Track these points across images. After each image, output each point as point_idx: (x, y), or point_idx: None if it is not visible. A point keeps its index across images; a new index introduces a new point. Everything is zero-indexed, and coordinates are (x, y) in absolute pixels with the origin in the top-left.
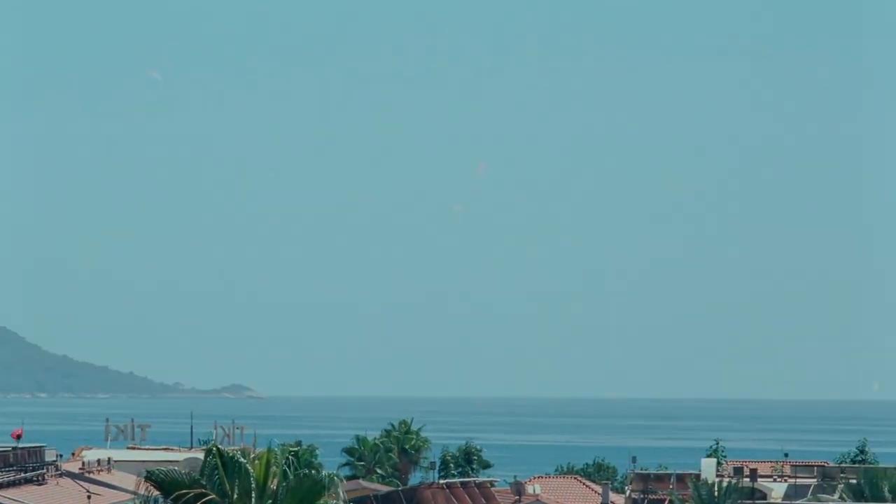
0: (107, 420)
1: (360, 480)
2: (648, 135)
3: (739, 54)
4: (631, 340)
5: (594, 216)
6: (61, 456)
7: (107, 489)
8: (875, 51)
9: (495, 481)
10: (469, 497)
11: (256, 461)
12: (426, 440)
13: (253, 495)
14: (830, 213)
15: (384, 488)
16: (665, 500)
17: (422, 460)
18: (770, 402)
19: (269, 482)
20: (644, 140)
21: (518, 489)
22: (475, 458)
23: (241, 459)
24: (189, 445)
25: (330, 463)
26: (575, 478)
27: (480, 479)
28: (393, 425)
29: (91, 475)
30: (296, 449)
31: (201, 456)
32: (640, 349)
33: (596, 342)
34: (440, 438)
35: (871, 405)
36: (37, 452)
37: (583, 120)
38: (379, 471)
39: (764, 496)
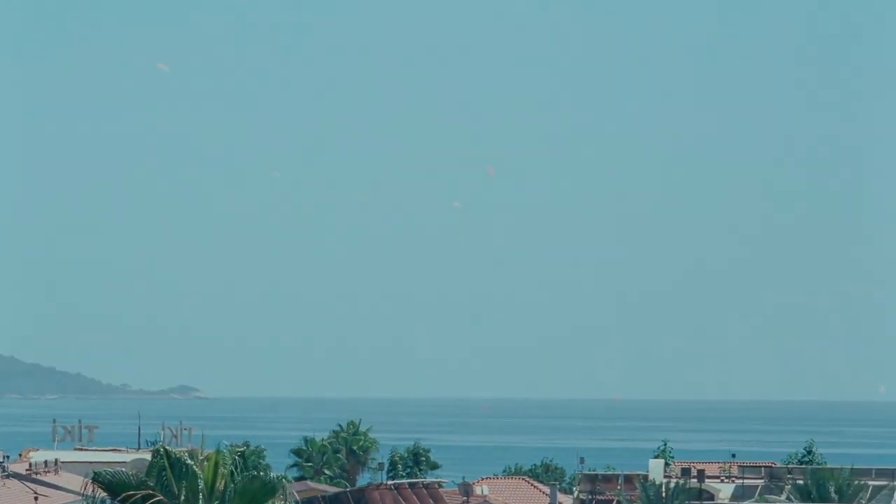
0: (54, 421)
1: (308, 482)
2: (648, 134)
3: (737, 54)
4: (639, 341)
5: (592, 216)
6: (8, 457)
7: (54, 490)
8: (876, 51)
9: (443, 482)
10: (417, 498)
11: (205, 462)
12: (374, 441)
13: (201, 497)
14: (834, 212)
15: (332, 489)
16: (613, 500)
17: (370, 461)
18: (777, 403)
19: (218, 483)
20: (643, 139)
21: (466, 490)
22: (423, 458)
23: (189, 461)
24: (137, 446)
25: (278, 464)
26: (523, 479)
27: (428, 479)
28: (341, 426)
29: (38, 476)
30: (243, 450)
31: (149, 457)
32: (646, 350)
33: (598, 343)
34: (389, 439)
35: (878, 406)
36: None
37: (584, 117)
38: (327, 472)
39: (711, 497)
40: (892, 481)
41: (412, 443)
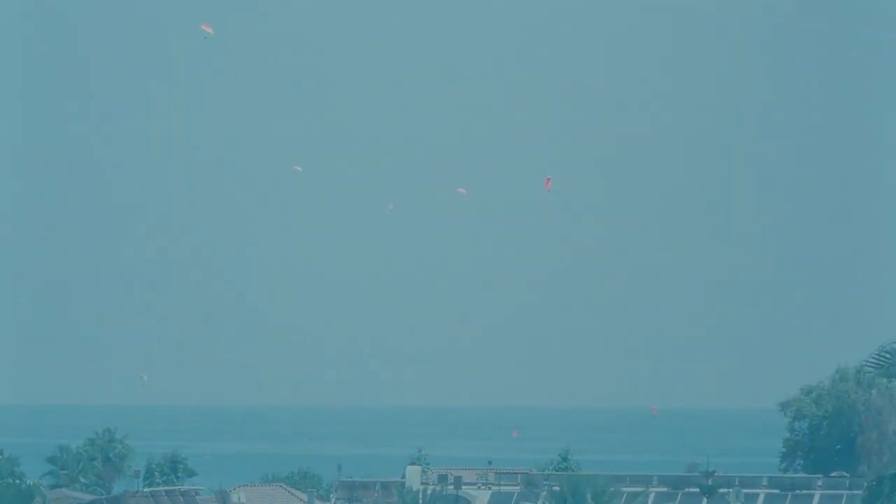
0: None
1: (64, 489)
2: (641, 133)
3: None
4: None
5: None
6: None
7: None
8: (876, 50)
9: (200, 489)
10: None
11: None
12: (130, 448)
13: None
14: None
15: (88, 497)
16: None
17: (126, 468)
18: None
19: None
20: (638, 138)
21: (223, 497)
22: (180, 466)
23: None
24: None
25: (32, 472)
26: (280, 486)
27: (185, 487)
28: (97, 433)
29: None
30: None
31: None
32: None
33: (597, 348)
34: (148, 447)
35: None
36: None
37: (581, 115)
38: (82, 479)
39: (468, 503)
40: (647, 487)
41: (170, 450)
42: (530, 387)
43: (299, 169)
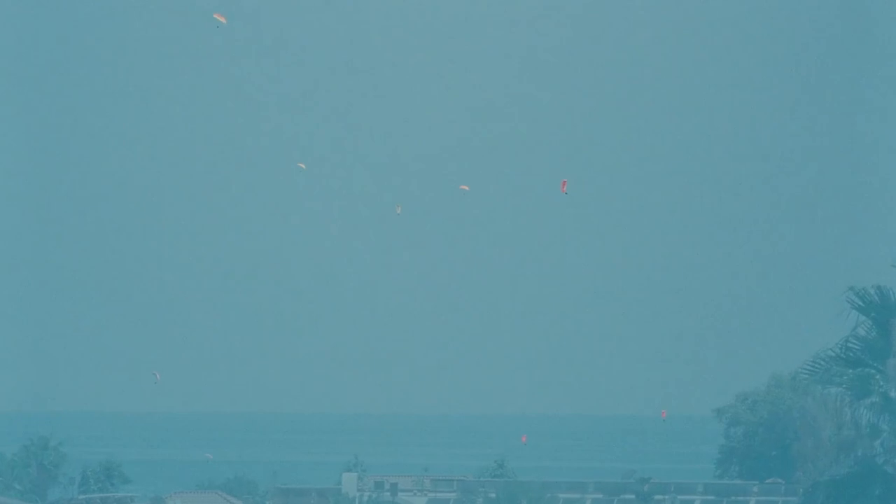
0: None
1: None
2: (644, 135)
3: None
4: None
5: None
6: None
7: None
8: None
9: (135, 496)
10: None
11: None
12: (64, 455)
13: None
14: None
15: None
16: None
17: (61, 475)
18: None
19: None
20: (640, 139)
21: None
22: (115, 473)
23: None
24: None
25: None
26: (217, 493)
27: (120, 494)
28: (31, 440)
29: None
30: None
31: None
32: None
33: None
34: (84, 453)
35: None
36: None
37: (586, 116)
38: (17, 486)
39: None
40: (583, 494)
41: (105, 457)
42: (527, 392)
43: (303, 166)
